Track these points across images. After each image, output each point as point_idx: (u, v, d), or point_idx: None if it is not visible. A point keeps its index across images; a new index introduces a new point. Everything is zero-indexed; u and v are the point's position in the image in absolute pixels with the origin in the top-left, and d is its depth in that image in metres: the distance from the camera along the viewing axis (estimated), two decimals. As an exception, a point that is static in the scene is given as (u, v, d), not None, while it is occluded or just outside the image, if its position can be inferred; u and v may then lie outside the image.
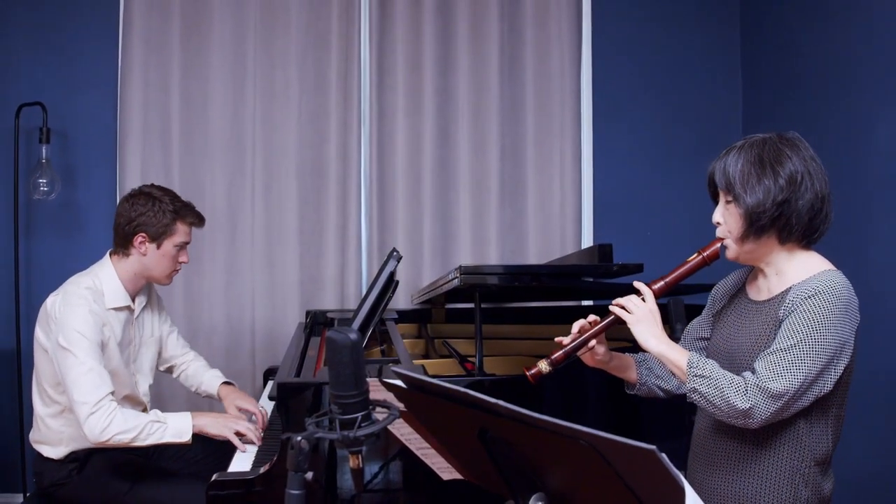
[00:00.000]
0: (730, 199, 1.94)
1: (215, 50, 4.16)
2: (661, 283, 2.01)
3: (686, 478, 2.13)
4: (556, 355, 1.96)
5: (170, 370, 3.25)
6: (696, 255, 2.02)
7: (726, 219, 1.97)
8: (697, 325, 2.23)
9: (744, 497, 1.96)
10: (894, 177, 3.14)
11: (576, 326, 2.02)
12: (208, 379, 3.20)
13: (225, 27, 4.16)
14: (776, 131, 1.99)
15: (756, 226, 1.91)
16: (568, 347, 1.98)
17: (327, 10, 4.19)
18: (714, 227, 2.02)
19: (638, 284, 2.00)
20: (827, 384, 1.84)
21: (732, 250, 1.98)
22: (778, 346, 1.83)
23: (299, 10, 4.18)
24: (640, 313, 1.95)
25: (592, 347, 2.03)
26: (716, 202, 2.02)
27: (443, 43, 4.25)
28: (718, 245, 2.00)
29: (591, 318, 2.02)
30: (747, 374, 1.84)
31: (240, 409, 3.00)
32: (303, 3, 4.18)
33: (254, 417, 2.92)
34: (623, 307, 1.96)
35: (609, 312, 1.99)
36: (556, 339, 2.02)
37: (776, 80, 4.09)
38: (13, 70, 4.15)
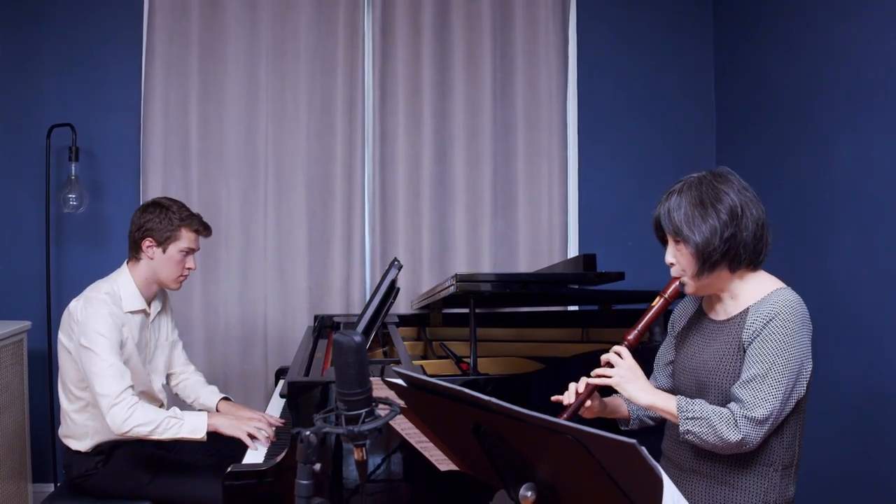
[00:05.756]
0: (678, 240, 1.94)
1: (230, 75, 4.16)
2: (635, 332, 2.01)
3: None
4: None
5: (168, 378, 3.20)
6: (658, 298, 2.02)
7: (678, 259, 1.96)
8: (663, 352, 2.23)
9: (716, 501, 1.96)
10: (855, 191, 3.14)
11: (571, 389, 2.00)
12: (206, 394, 3.16)
13: (239, 55, 4.16)
14: (708, 169, 1.98)
15: (708, 262, 1.90)
16: (567, 413, 1.95)
17: (334, 38, 4.19)
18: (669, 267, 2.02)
19: (606, 357, 1.99)
20: (801, 391, 1.87)
21: (690, 286, 1.98)
22: (754, 372, 1.83)
23: (307, 39, 4.18)
24: (622, 373, 1.95)
25: (587, 407, 2.02)
26: (664, 244, 2.01)
27: (440, 69, 4.26)
28: (676, 283, 2.00)
29: (583, 381, 2.00)
30: (733, 405, 1.84)
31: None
32: (311, 32, 4.19)
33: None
34: (604, 375, 1.96)
35: (596, 375, 1.98)
36: (553, 398, 2.01)
37: (746, 102, 4.10)
38: (45, 94, 4.15)
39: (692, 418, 1.85)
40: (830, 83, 3.31)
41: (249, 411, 2.99)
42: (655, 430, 2.19)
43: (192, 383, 3.20)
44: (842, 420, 3.21)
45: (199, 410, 3.14)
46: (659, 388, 2.15)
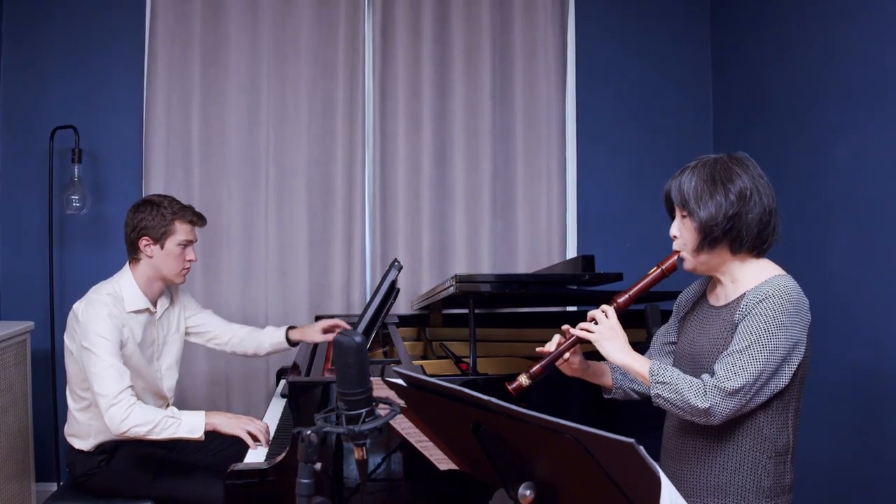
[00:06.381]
0: (685, 213, 1.95)
1: (232, 78, 4.16)
2: (626, 296, 2.02)
3: None
4: (534, 369, 1.96)
5: (221, 346, 3.23)
6: (655, 268, 2.03)
7: (682, 232, 1.98)
8: (664, 332, 2.23)
9: (711, 487, 1.96)
10: (850, 192, 3.15)
11: (554, 340, 2.02)
12: (269, 334, 3.21)
13: (241, 58, 4.16)
14: (727, 152, 2.00)
15: (709, 238, 1.92)
16: (545, 361, 1.98)
17: (334, 41, 4.20)
18: (671, 240, 2.03)
19: (593, 314, 2.00)
20: (782, 379, 1.85)
21: (689, 261, 1.99)
22: (733, 347, 1.84)
23: (308, 42, 4.18)
24: (603, 331, 1.96)
25: (568, 359, 2.03)
26: (672, 217, 2.02)
27: (440, 71, 4.26)
28: (675, 257, 2.01)
29: (565, 327, 2.02)
30: (705, 376, 1.85)
31: (323, 329, 3.12)
32: (312, 35, 4.19)
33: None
34: (587, 329, 1.97)
35: (580, 328, 1.99)
36: (537, 349, 2.02)
37: (744, 105, 4.10)
38: (48, 96, 4.16)
39: (662, 382, 1.85)
40: (827, 85, 3.31)
41: (319, 323, 3.16)
42: (656, 429, 2.19)
43: (247, 335, 3.22)
44: (838, 417, 3.21)
45: (268, 354, 3.28)
46: None
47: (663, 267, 2.01)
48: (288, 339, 3.20)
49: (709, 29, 4.47)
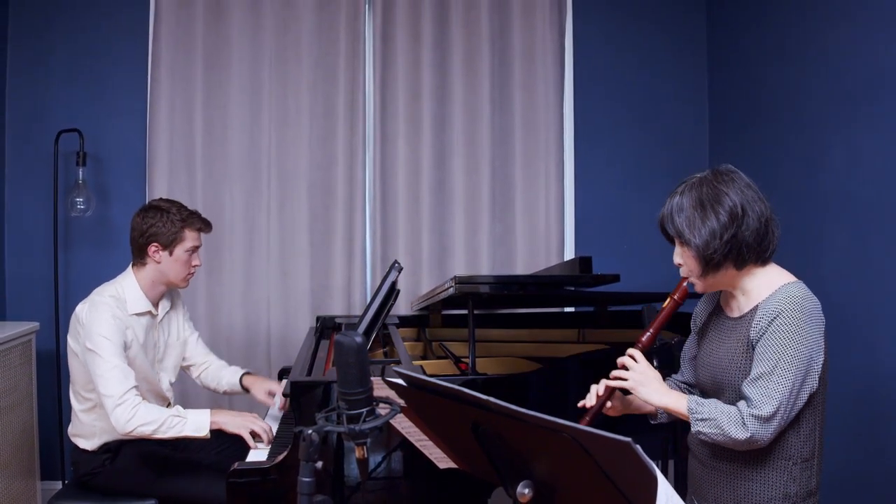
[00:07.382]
0: (682, 243, 1.93)
1: (234, 82, 4.17)
2: (648, 334, 2.03)
3: (687, 477, 2.13)
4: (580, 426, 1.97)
5: (188, 369, 3.22)
6: (668, 300, 2.03)
7: (685, 260, 1.96)
8: (688, 347, 2.23)
9: (738, 496, 1.96)
10: (845, 194, 3.15)
11: (592, 392, 2.02)
12: (229, 374, 3.18)
13: (243, 61, 4.17)
14: (711, 168, 1.97)
15: (711, 263, 1.90)
16: (589, 417, 1.98)
17: (335, 45, 4.20)
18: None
19: (622, 361, 2.00)
20: (813, 384, 1.85)
21: (699, 285, 1.99)
22: (760, 370, 1.83)
23: (310, 46, 4.19)
24: (636, 377, 1.96)
25: (609, 407, 2.04)
26: (672, 243, 2.00)
27: (440, 75, 4.26)
28: (685, 284, 2.00)
29: (603, 383, 2.02)
30: (741, 404, 1.84)
31: (269, 392, 3.08)
32: (313, 39, 4.19)
33: (271, 411, 2.94)
34: (620, 378, 1.98)
35: (613, 379, 2.00)
36: (580, 403, 2.03)
37: (740, 108, 4.10)
38: (53, 100, 4.16)
39: (701, 419, 1.86)
40: (822, 88, 3.31)
41: (272, 382, 3.12)
42: (656, 428, 2.19)
43: (214, 369, 3.21)
44: (834, 421, 3.21)
45: (225, 393, 3.22)
46: (684, 382, 2.20)
47: (675, 297, 2.02)
48: (242, 385, 3.18)
49: (705, 33, 4.47)
